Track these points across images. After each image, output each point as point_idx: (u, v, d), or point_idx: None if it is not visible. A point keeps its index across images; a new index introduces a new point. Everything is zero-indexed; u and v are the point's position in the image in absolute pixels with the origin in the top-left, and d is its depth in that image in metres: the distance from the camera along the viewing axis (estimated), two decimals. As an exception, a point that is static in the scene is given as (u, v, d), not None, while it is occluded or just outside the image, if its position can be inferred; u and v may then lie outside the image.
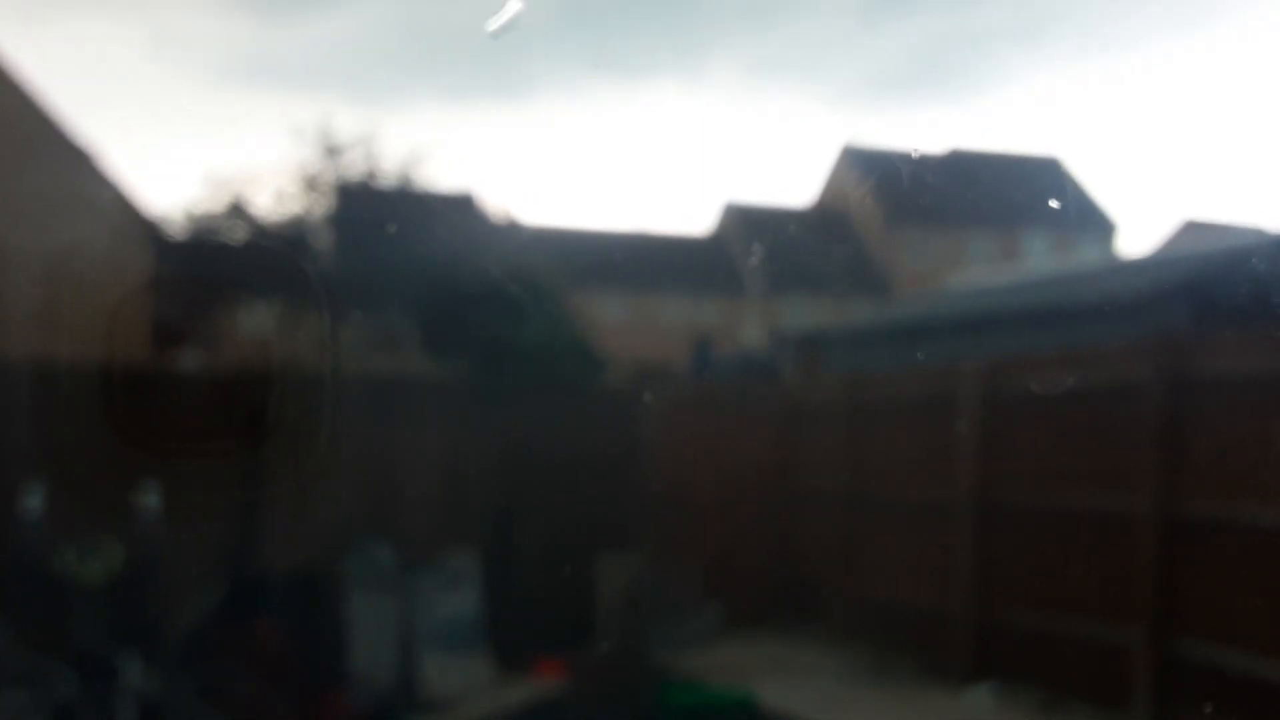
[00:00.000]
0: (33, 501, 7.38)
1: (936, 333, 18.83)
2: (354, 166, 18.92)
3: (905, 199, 48.19)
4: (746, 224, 48.79)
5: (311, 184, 18.70)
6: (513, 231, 18.74)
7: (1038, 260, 43.78)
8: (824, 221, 51.05)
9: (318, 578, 9.63)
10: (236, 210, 19.05)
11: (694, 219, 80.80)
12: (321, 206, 18.85)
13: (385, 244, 16.37)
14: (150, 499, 8.27)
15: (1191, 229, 43.33)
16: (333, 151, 18.79)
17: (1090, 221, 51.11)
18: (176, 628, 7.14)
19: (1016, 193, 53.24)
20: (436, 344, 14.65)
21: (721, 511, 11.88)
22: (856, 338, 22.81)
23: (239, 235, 19.26)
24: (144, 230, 21.34)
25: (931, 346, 16.97)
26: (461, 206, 19.17)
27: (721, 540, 11.85)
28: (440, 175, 19.11)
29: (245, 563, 9.64)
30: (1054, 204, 50.20)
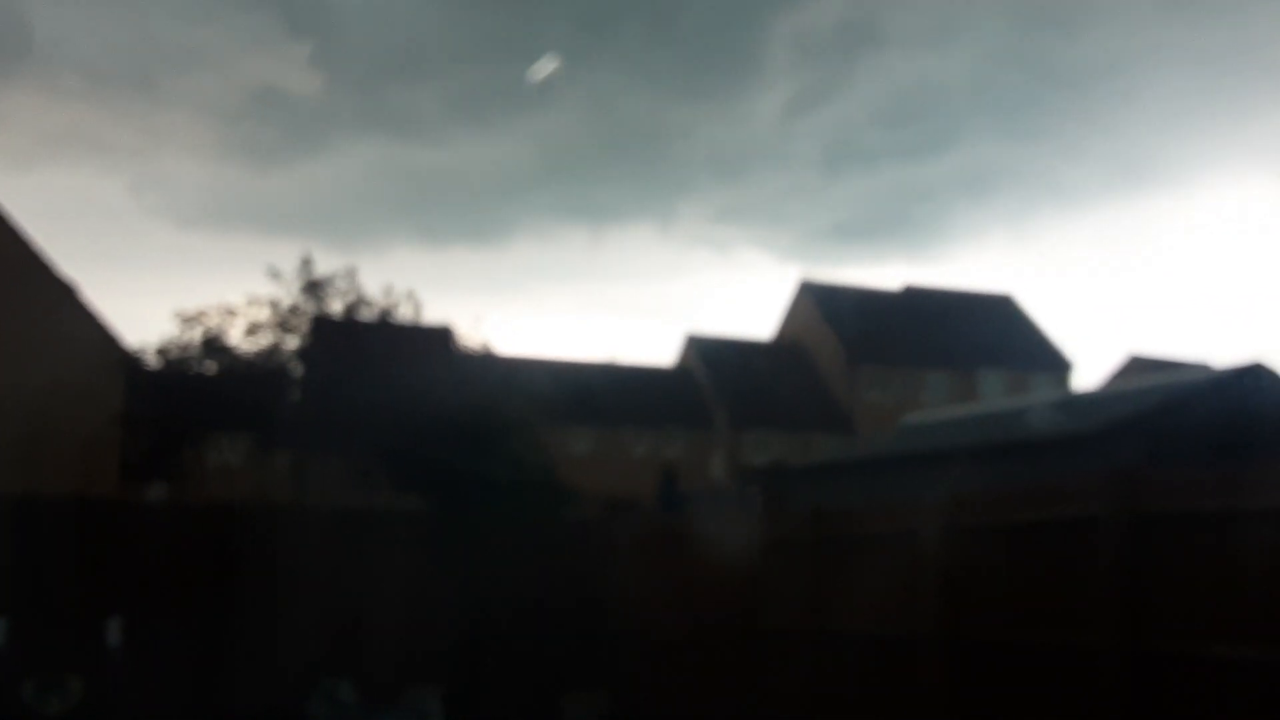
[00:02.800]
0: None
1: (898, 467, 19.06)
2: (331, 303, 19.17)
3: (863, 334, 49.02)
4: (708, 355, 49.34)
5: (287, 319, 18.87)
6: (487, 363, 18.95)
7: (994, 396, 44.45)
8: (784, 354, 51.70)
9: (282, 715, 9.51)
10: (211, 345, 19.20)
11: (659, 351, 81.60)
12: (296, 341, 19.00)
13: (358, 378, 16.49)
14: (114, 633, 8.21)
15: (1137, 364, 44.20)
16: (310, 288, 19.03)
17: (1044, 357, 52.15)
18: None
19: (972, 329, 54.11)
20: (406, 478, 14.68)
21: (687, 647, 11.86)
22: (820, 472, 23.01)
23: (213, 369, 19.38)
24: (121, 363, 21.45)
25: (893, 481, 17.18)
26: (438, 340, 19.40)
27: (688, 677, 11.80)
28: (417, 312, 19.44)
29: (209, 699, 9.51)
30: (1008, 343, 51.10)
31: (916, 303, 51.22)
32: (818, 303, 51.38)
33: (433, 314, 20.83)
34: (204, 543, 10.33)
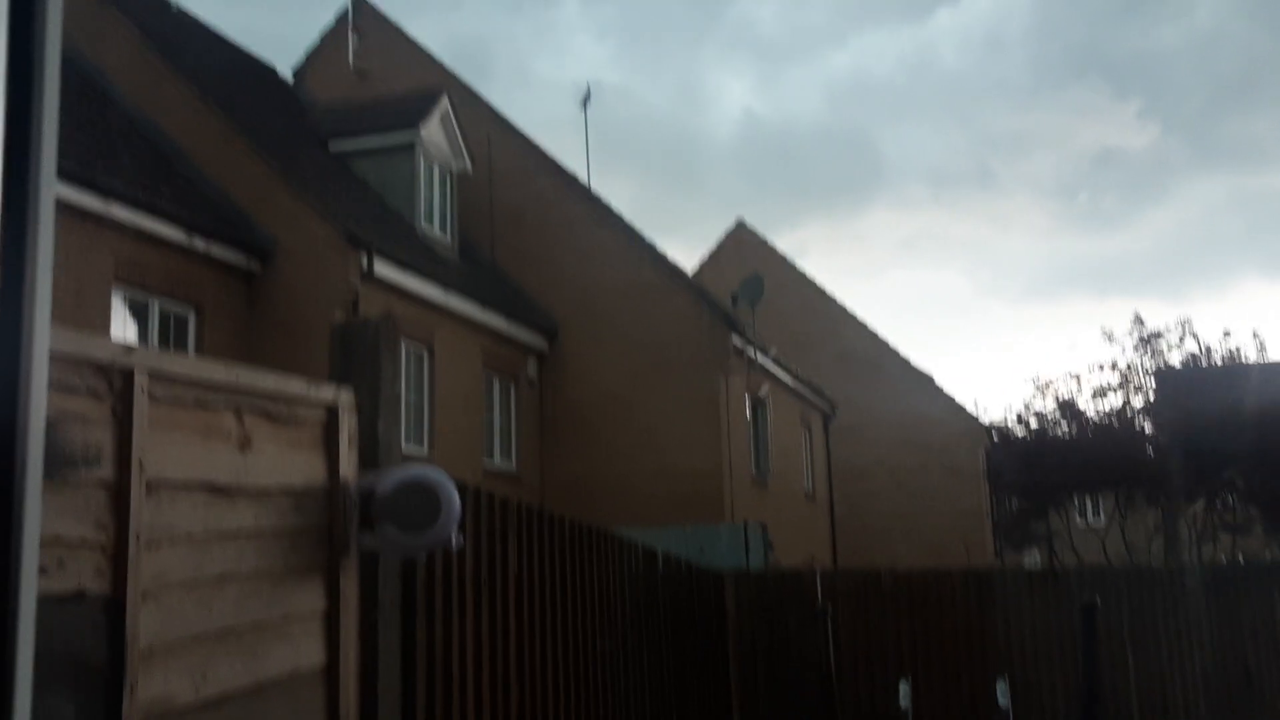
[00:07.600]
0: (905, 692, 8.40)
1: None
2: (1167, 355, 19.01)
3: None
4: None
5: (1128, 377, 19.08)
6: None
7: None
8: None
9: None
10: (1064, 409, 19.81)
11: None
12: (1143, 396, 19.07)
13: (1213, 425, 15.79)
14: (1003, 694, 8.95)
15: None
16: (1143, 343, 19.09)
17: None
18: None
19: None
20: (1281, 522, 13.62)
21: None
22: None
23: (1067, 433, 19.86)
24: (981, 435, 23.09)
25: None
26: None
27: None
28: (1263, 349, 18.45)
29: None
30: None
31: None
32: None
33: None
34: (1072, 606, 10.62)
